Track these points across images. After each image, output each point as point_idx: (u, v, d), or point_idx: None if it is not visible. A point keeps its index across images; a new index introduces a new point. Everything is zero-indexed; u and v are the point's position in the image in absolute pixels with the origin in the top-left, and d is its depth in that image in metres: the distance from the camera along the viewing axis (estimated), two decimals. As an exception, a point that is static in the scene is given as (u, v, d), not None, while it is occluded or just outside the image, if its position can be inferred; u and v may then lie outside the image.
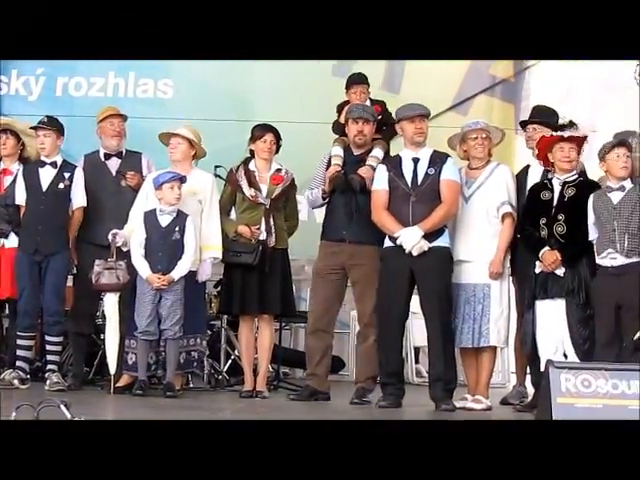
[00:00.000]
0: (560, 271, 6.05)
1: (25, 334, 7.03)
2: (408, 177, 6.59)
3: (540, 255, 6.19)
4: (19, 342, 7.08)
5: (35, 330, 7.29)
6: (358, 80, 7.67)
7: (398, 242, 6.40)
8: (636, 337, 5.43)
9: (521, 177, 6.83)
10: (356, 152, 7.03)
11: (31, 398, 4.76)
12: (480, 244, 6.56)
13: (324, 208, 7.24)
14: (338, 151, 7.07)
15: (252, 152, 7.23)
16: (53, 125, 7.19)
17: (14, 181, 7.11)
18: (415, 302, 6.74)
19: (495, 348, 6.64)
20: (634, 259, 5.99)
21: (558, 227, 5.97)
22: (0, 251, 7.05)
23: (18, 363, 7.02)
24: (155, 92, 9.65)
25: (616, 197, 6.09)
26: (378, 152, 6.99)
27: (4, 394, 5.52)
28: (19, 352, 7.09)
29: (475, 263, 6.56)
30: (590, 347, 6.07)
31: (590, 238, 6.06)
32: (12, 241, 7.02)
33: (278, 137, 7.24)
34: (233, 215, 7.36)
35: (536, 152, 6.42)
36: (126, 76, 9.48)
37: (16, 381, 6.86)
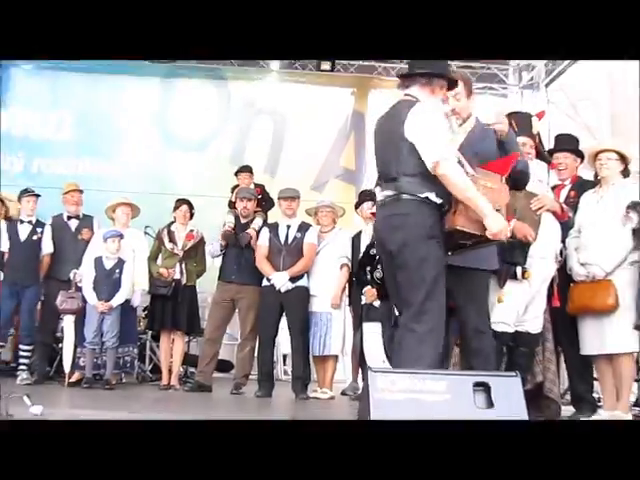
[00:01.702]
0: (377, 303, 6.71)
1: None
2: (282, 238, 7.54)
3: (364, 291, 7.12)
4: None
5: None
6: (244, 169, 8.80)
7: (271, 282, 7.41)
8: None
9: (355, 239, 7.87)
10: (243, 220, 7.93)
11: (5, 389, 4.71)
12: (326, 284, 7.60)
13: (221, 257, 7.92)
14: (230, 218, 7.97)
15: (175, 217, 8.20)
16: (34, 193, 7.88)
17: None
18: (283, 323, 7.63)
19: (336, 355, 7.69)
20: None
21: (377, 273, 6.08)
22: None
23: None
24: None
25: None
26: (258, 221, 7.93)
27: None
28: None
29: (322, 297, 7.58)
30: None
31: None
32: (-1, 276, 7.43)
33: (191, 207, 8.18)
34: (160, 261, 8.14)
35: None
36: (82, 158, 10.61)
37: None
